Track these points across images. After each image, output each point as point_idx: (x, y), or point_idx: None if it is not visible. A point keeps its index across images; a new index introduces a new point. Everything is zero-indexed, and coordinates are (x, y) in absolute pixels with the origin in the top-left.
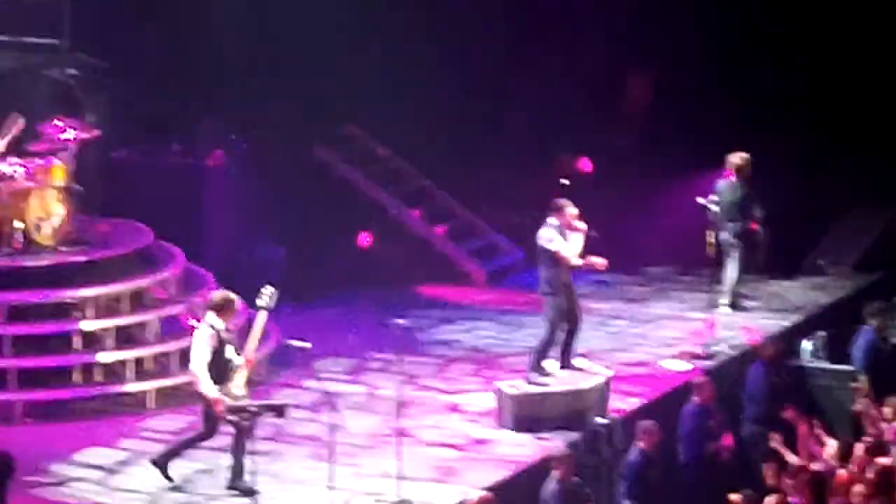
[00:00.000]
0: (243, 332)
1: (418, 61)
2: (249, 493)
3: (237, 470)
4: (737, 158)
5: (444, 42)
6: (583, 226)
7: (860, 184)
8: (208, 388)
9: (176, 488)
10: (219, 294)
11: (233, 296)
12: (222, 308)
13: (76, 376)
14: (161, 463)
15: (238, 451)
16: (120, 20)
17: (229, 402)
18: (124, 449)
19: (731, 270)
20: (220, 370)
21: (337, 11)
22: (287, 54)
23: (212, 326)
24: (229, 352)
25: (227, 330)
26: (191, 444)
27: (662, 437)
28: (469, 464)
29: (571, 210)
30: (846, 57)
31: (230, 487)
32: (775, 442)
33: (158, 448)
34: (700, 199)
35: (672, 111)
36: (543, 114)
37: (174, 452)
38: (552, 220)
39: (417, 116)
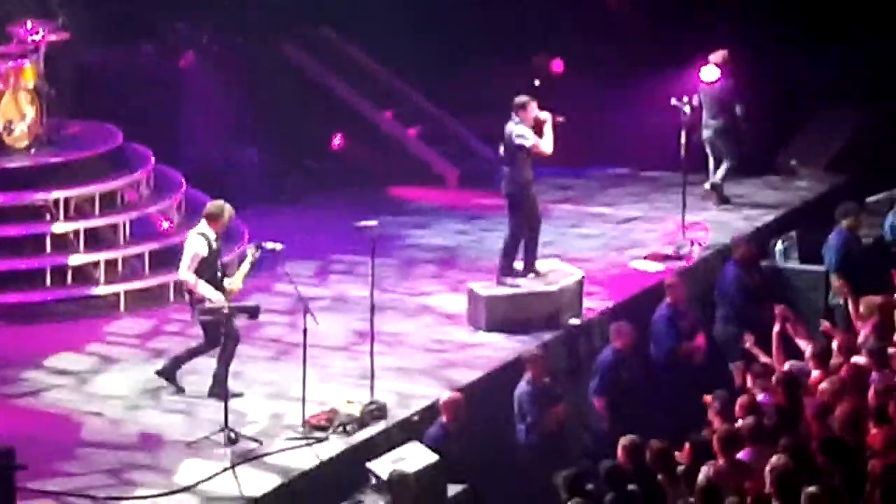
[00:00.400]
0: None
1: None
2: (229, 397)
3: (221, 377)
4: (719, 56)
5: None
6: (546, 115)
7: (833, 82)
8: (206, 290)
9: (154, 392)
10: (213, 203)
11: (226, 206)
12: (214, 217)
13: (48, 279)
14: (168, 374)
15: (224, 358)
16: None
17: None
18: (96, 354)
19: (721, 164)
20: (209, 278)
21: None
22: None
23: (203, 235)
24: (218, 260)
25: (216, 240)
26: (195, 353)
27: (636, 336)
28: (441, 364)
29: (533, 104)
30: None
31: (211, 395)
32: (749, 342)
33: (129, 351)
34: (674, 101)
35: (648, 9)
36: (520, 15)
37: (179, 361)
38: (516, 117)
39: (391, 18)
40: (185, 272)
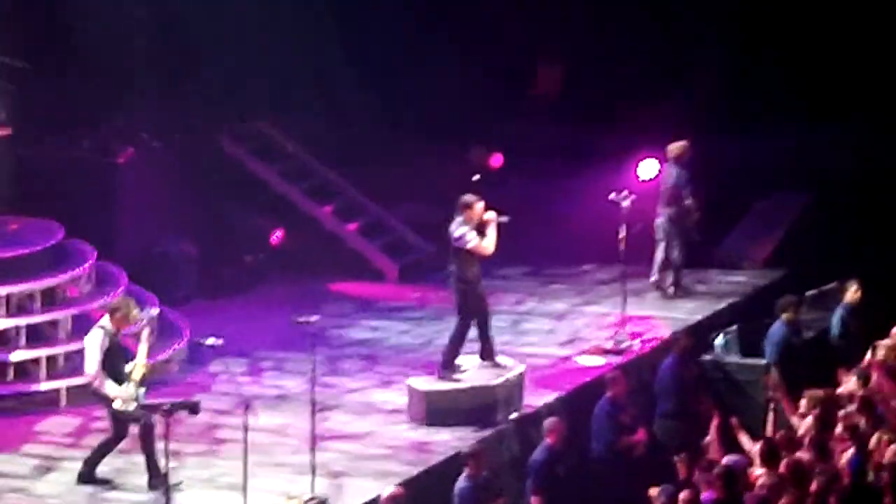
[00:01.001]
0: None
1: (327, 56)
2: (170, 489)
3: (153, 468)
4: (675, 146)
5: (353, 35)
6: (491, 215)
7: (767, 172)
8: (110, 388)
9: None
10: (116, 300)
11: (130, 306)
12: (116, 313)
13: None
14: (87, 477)
15: (148, 449)
16: (28, 16)
17: (127, 402)
18: (35, 454)
19: (672, 254)
20: (113, 371)
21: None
22: (194, 48)
23: (102, 328)
24: (119, 356)
25: (116, 335)
26: (106, 448)
27: (568, 433)
28: (382, 460)
29: (479, 205)
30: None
31: (151, 487)
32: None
33: (68, 452)
34: (613, 195)
35: (581, 101)
36: (454, 107)
37: (93, 462)
38: (460, 217)
39: (327, 111)
40: (90, 367)
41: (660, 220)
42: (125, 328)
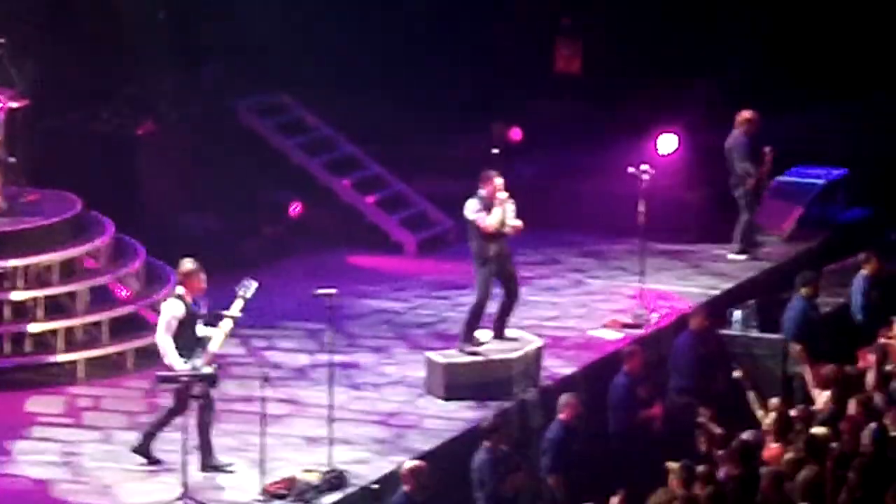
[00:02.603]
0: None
1: (350, 27)
2: (222, 469)
3: (206, 448)
4: (742, 116)
5: (377, 11)
6: (504, 195)
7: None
8: (174, 359)
9: (116, 458)
10: (182, 265)
11: (193, 265)
12: (187, 278)
13: (6, 346)
14: (142, 449)
15: (203, 428)
16: None
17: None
18: (57, 423)
19: (745, 219)
20: (186, 343)
21: None
22: (217, 12)
23: (179, 298)
24: (197, 325)
25: (195, 302)
26: (164, 422)
27: (584, 408)
28: (400, 432)
29: (497, 180)
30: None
31: (203, 468)
32: (703, 416)
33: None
34: (631, 169)
35: (601, 77)
36: (475, 80)
37: (150, 435)
38: (480, 191)
39: (348, 84)
40: (159, 335)
41: (736, 191)
42: (201, 294)
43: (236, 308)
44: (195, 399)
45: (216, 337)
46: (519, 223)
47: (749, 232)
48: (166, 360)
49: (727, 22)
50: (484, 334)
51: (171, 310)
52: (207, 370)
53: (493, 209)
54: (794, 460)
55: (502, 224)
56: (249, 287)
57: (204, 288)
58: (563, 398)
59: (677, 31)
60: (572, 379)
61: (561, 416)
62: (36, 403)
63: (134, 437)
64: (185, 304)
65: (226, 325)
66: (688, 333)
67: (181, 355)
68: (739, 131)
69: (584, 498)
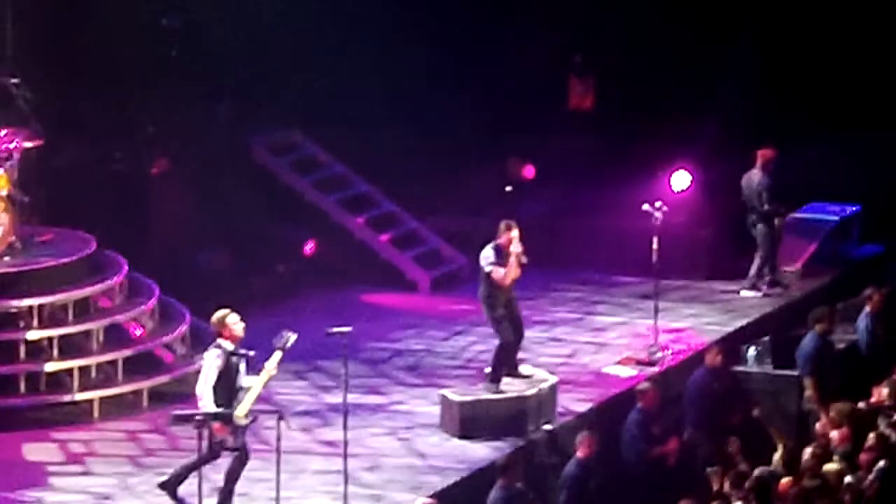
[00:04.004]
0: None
1: (365, 68)
2: None
3: (226, 497)
4: (763, 154)
5: (387, 47)
6: (517, 249)
7: (802, 184)
8: (211, 410)
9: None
10: (217, 315)
11: (224, 312)
12: (223, 327)
13: (22, 386)
14: (170, 488)
15: (231, 479)
16: (60, 26)
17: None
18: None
19: (760, 256)
20: (225, 392)
21: (275, 15)
22: (226, 57)
23: (219, 347)
24: (238, 374)
25: (235, 352)
26: (196, 466)
27: (600, 446)
28: (416, 470)
29: (513, 233)
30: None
31: None
32: (732, 447)
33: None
34: (646, 206)
35: (614, 113)
36: (488, 117)
37: (180, 477)
38: (498, 240)
39: (361, 121)
40: (200, 385)
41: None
42: (239, 341)
43: (274, 360)
44: (232, 451)
45: (254, 388)
46: (523, 260)
47: (773, 270)
48: (206, 411)
49: (737, 58)
50: (526, 369)
51: (213, 359)
52: (242, 420)
53: (510, 262)
54: (801, 496)
55: (511, 277)
56: (288, 339)
57: (240, 336)
58: (580, 436)
59: (688, 66)
60: (587, 416)
61: (578, 453)
62: (51, 442)
63: (155, 476)
64: (225, 354)
65: (263, 377)
66: (703, 369)
67: (220, 405)
68: (760, 170)
69: None
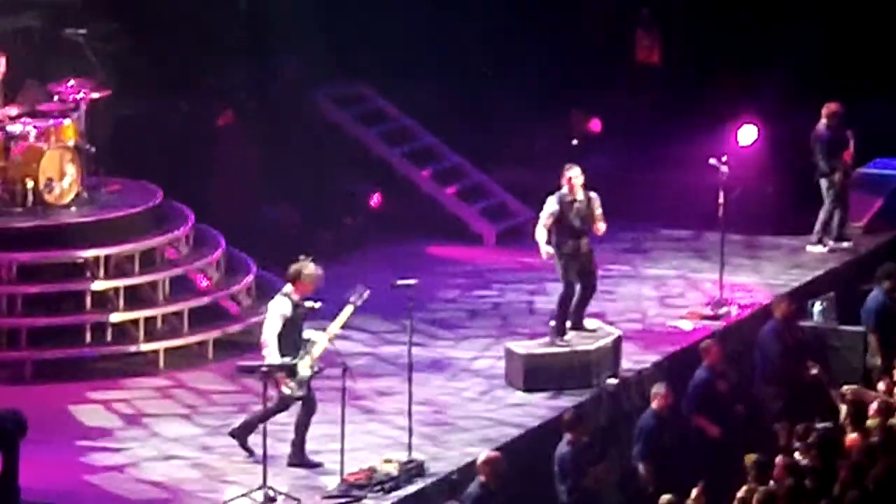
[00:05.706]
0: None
1: (429, 20)
2: (308, 466)
3: (299, 446)
4: (827, 108)
5: (455, 2)
6: (581, 195)
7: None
8: (275, 357)
9: (194, 447)
10: (295, 265)
11: (310, 268)
12: (296, 279)
13: (87, 336)
14: (240, 435)
15: (300, 428)
16: None
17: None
18: (140, 411)
19: (825, 210)
20: (290, 342)
21: None
22: (294, 8)
23: (286, 296)
24: (302, 325)
25: (301, 304)
26: (266, 417)
27: (675, 398)
28: (480, 423)
29: (571, 173)
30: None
31: (291, 464)
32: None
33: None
34: (712, 160)
35: (681, 67)
36: (553, 71)
37: (251, 425)
38: (563, 188)
39: (428, 75)
40: (265, 332)
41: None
42: (309, 293)
43: (345, 315)
44: (299, 400)
45: (321, 341)
46: (601, 226)
47: (840, 226)
48: (266, 358)
49: (806, 11)
50: (591, 322)
51: (279, 307)
52: (305, 371)
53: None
54: (870, 450)
55: (584, 221)
56: (362, 295)
57: (310, 291)
58: (656, 387)
59: (756, 20)
60: (651, 370)
61: (653, 404)
62: (118, 392)
63: (222, 426)
64: (293, 303)
65: (332, 330)
66: (773, 322)
67: (285, 354)
68: (823, 124)
69: (670, 488)
